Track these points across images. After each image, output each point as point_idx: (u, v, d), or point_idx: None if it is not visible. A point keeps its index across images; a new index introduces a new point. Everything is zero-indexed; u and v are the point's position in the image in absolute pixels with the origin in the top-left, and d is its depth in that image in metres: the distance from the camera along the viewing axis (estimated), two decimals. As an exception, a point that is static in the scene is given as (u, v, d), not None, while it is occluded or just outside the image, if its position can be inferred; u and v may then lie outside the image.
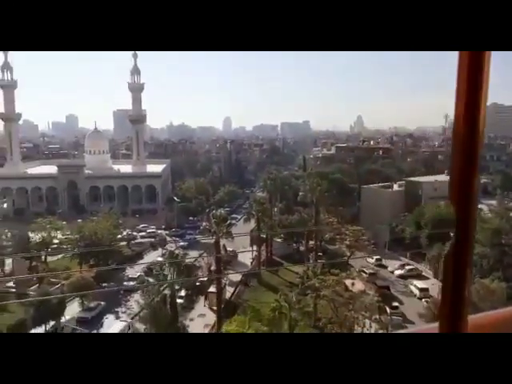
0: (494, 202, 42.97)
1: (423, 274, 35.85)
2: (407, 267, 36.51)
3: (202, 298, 30.48)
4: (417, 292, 30.62)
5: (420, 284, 31.42)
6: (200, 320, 27.63)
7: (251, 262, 39.26)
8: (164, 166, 72.20)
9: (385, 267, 37.50)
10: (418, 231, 35.90)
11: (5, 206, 63.37)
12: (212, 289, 29.61)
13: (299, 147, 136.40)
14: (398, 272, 35.95)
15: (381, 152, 75.49)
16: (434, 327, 1.03)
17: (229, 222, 32.98)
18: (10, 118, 66.81)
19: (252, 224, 40.96)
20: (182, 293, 28.63)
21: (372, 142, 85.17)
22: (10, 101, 66.39)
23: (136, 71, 70.59)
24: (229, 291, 32.00)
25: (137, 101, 71.03)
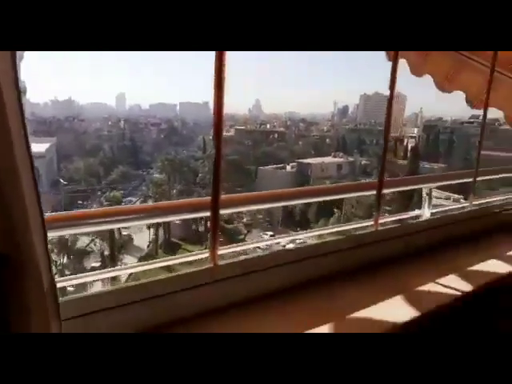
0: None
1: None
2: (297, 241, 39.40)
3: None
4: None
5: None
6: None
7: (148, 246, 38.10)
8: (48, 145, 65.11)
9: (277, 243, 39.83)
10: (306, 208, 38.85)
11: None
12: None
13: (199, 128, 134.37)
14: (289, 246, 38.67)
15: (276, 135, 78.79)
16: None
17: (123, 204, 31.48)
18: None
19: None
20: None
21: (268, 126, 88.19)
22: None
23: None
24: (124, 276, 30.75)
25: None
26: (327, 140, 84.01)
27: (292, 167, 51.05)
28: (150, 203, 40.54)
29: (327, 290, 1.41)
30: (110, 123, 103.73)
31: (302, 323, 1.16)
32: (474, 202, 2.13)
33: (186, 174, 51.16)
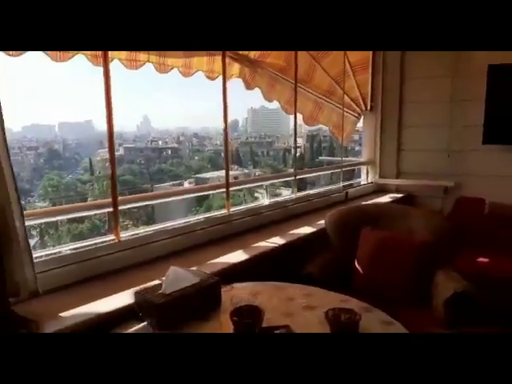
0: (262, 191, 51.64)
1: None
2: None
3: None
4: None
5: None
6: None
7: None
8: None
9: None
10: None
11: None
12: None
13: (83, 149, 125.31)
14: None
15: (169, 151, 78.18)
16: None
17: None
18: None
19: (34, 238, 36.06)
20: None
21: (160, 142, 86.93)
22: None
23: None
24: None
25: None
26: (222, 154, 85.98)
27: (190, 182, 51.31)
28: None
29: (197, 251, 2.22)
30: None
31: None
32: (296, 194, 3.19)
33: (74, 199, 47.85)
